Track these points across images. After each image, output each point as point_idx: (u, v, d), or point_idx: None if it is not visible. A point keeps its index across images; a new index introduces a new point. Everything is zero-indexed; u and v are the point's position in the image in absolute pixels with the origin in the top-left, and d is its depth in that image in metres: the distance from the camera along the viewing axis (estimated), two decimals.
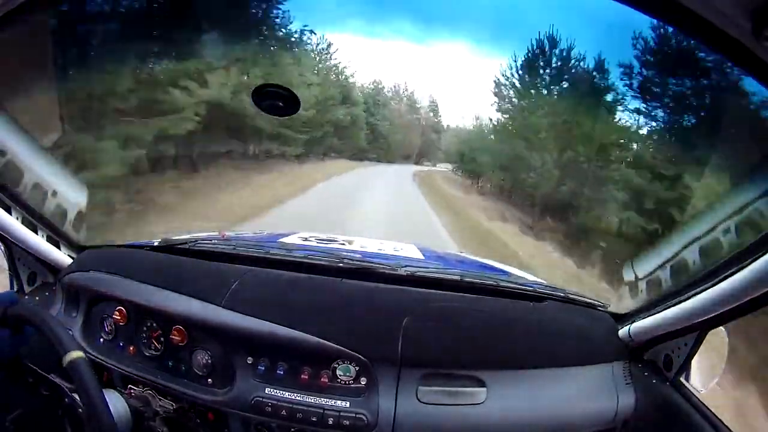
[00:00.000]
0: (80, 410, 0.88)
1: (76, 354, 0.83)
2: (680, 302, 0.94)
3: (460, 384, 1.01)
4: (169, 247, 1.32)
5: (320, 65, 15.06)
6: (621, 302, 1.25)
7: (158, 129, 7.92)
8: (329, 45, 14.85)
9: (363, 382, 1.00)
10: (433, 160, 20.99)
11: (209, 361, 1.05)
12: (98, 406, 0.82)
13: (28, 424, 1.01)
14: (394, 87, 20.84)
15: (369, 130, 18.96)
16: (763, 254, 0.73)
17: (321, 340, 1.00)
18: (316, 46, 14.34)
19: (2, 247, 1.21)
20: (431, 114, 21.80)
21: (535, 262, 7.47)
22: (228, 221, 6.86)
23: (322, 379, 1.00)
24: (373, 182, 14.46)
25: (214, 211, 7.75)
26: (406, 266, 1.23)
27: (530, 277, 1.61)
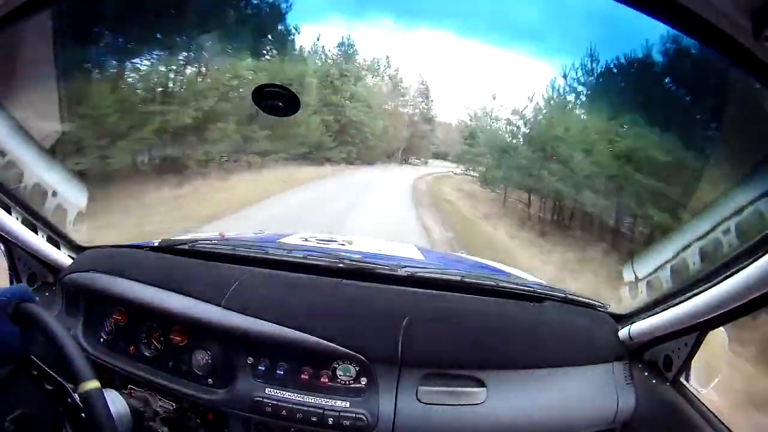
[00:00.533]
0: (80, 410, 0.88)
1: (91, 384, 0.81)
2: (680, 302, 0.94)
3: (460, 384, 1.01)
4: (169, 248, 1.32)
5: None
6: (621, 303, 1.24)
7: None
8: None
9: (363, 383, 1.00)
10: (423, 158, 17.19)
11: (209, 361, 1.05)
12: (102, 418, 0.82)
13: (28, 424, 1.01)
14: (373, 60, 14.95)
15: (332, 116, 11.85)
16: (763, 255, 0.73)
17: (321, 340, 1.00)
18: None
19: (2, 247, 1.21)
20: (420, 100, 16.79)
21: None
22: None
23: (322, 379, 1.00)
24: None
25: None
26: (405, 267, 1.23)
27: (530, 278, 1.61)
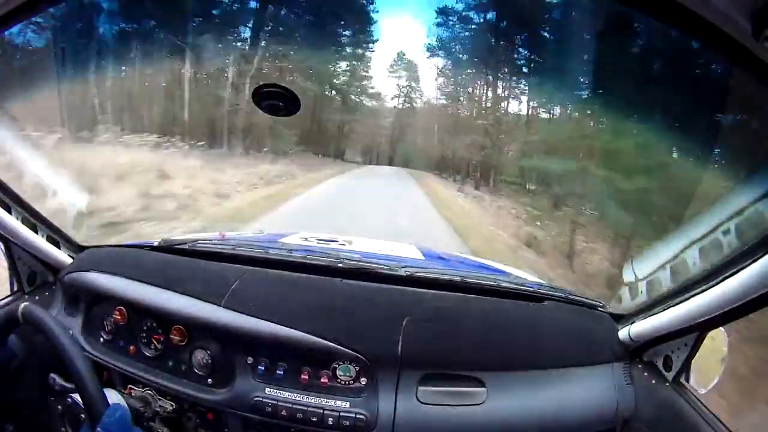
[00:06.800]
0: (80, 410, 0.88)
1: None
2: (680, 303, 0.94)
3: (460, 384, 1.01)
4: (169, 247, 1.32)
5: None
6: (621, 303, 1.24)
7: None
8: None
9: (363, 383, 1.00)
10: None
11: (209, 361, 1.05)
12: (101, 409, 0.82)
13: (28, 425, 1.01)
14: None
15: None
16: (763, 255, 0.73)
17: (321, 340, 1.00)
18: None
19: (2, 247, 1.20)
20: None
21: None
22: None
23: (322, 380, 1.00)
24: None
25: None
26: (405, 267, 1.23)
27: (530, 278, 1.61)
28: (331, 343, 1.00)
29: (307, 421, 0.96)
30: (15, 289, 1.25)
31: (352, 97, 17.17)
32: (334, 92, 16.88)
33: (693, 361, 1.00)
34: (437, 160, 15.76)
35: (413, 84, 17.59)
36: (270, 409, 0.98)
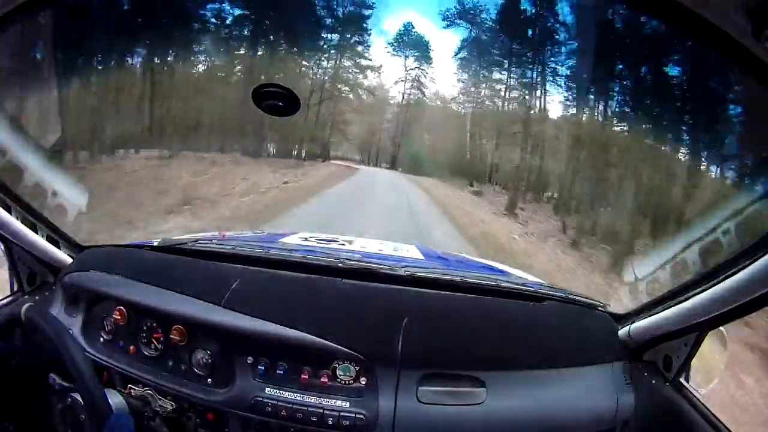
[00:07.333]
0: (80, 410, 0.88)
1: None
2: (680, 302, 0.94)
3: (460, 384, 1.01)
4: (168, 247, 1.32)
5: None
6: (621, 303, 1.25)
7: None
8: None
9: (363, 382, 1.00)
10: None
11: (209, 361, 1.05)
12: (102, 409, 0.82)
13: (28, 423, 1.01)
14: None
15: None
16: (763, 255, 0.73)
17: (321, 340, 1.00)
18: None
19: (2, 247, 1.21)
20: None
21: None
22: None
23: (322, 379, 1.00)
24: None
25: None
26: (405, 266, 1.23)
27: (530, 278, 1.61)
28: (331, 343, 1.00)
29: (307, 421, 0.96)
30: (15, 289, 1.25)
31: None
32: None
33: (693, 361, 1.00)
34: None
35: (425, 66, 14.16)
36: (270, 408, 0.98)
